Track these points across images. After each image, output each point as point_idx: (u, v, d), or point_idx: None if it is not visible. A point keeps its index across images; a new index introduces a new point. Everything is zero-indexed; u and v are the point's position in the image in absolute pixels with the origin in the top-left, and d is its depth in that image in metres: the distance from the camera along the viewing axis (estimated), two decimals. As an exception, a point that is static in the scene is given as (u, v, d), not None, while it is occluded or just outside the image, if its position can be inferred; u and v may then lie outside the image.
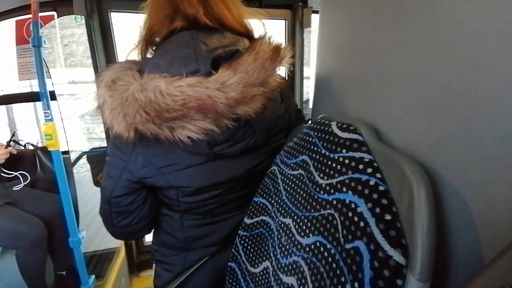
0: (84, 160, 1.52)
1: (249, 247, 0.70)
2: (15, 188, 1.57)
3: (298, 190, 0.58)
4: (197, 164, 0.61)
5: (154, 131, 0.51)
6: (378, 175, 0.41)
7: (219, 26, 0.59)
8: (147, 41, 0.63)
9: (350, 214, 0.41)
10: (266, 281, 0.62)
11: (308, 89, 1.98)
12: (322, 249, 0.46)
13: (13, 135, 1.59)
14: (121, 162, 0.59)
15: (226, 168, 0.64)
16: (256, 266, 0.67)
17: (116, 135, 0.52)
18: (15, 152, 1.56)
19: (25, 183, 1.61)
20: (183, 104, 0.49)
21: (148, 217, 0.70)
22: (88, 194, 1.62)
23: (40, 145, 1.82)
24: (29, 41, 1.15)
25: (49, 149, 1.12)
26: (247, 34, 0.64)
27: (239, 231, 0.72)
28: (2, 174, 1.56)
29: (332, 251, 0.44)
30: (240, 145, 0.60)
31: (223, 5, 0.59)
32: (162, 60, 0.54)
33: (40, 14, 1.06)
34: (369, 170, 0.42)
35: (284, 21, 1.71)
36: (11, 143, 1.63)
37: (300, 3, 1.65)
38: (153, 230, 0.78)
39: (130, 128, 0.51)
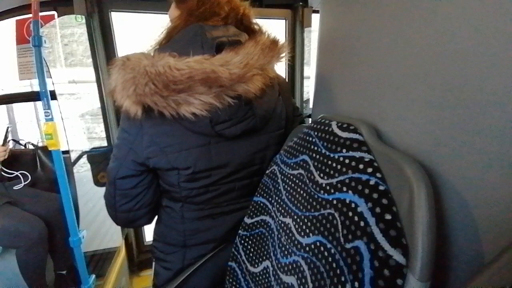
0: (84, 159, 1.52)
1: (249, 247, 0.70)
2: (15, 188, 1.57)
3: (298, 189, 0.58)
4: (199, 145, 0.64)
5: (160, 104, 0.55)
6: (378, 174, 0.41)
7: (238, 23, 0.68)
8: (167, 39, 0.67)
9: (350, 213, 0.41)
10: (266, 280, 0.63)
11: (308, 89, 1.98)
12: (322, 248, 0.46)
13: (6, 131, 1.57)
14: (127, 143, 0.64)
15: (226, 152, 0.67)
16: (256, 265, 0.67)
17: (125, 113, 0.58)
18: (9, 147, 1.55)
19: (25, 182, 1.61)
20: (189, 77, 0.54)
21: (150, 204, 0.72)
22: (88, 194, 1.62)
23: (40, 144, 1.83)
24: (29, 40, 1.15)
25: (49, 148, 1.12)
26: (252, 31, 0.70)
27: (239, 231, 0.72)
28: (3, 173, 1.56)
29: (332, 251, 0.44)
30: (241, 126, 0.63)
31: (243, 6, 0.69)
32: (171, 47, 0.60)
33: (41, 13, 1.06)
34: (369, 170, 0.42)
35: (284, 20, 1.71)
36: (10, 141, 1.62)
37: (301, 3, 1.65)
38: (153, 223, 0.79)
39: (138, 103, 0.55)
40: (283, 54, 0.67)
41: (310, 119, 0.95)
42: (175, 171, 0.65)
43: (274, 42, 0.65)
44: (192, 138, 0.63)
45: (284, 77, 0.78)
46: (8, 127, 1.59)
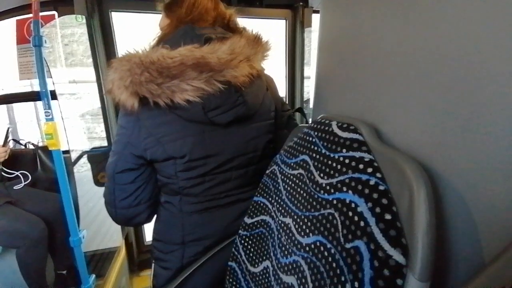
0: (84, 159, 1.52)
1: (249, 247, 0.70)
2: (15, 187, 1.57)
3: (298, 189, 0.58)
4: (194, 134, 0.67)
5: (155, 92, 0.58)
6: (378, 174, 0.41)
7: (224, 27, 0.73)
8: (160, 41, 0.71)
9: (350, 213, 0.42)
10: (266, 280, 0.63)
11: (309, 89, 1.98)
12: (322, 248, 0.46)
13: (7, 131, 1.57)
14: (125, 137, 0.67)
15: (220, 140, 0.70)
16: (256, 265, 0.67)
17: (122, 107, 0.62)
18: (9, 147, 1.55)
19: (25, 182, 1.61)
20: (181, 63, 0.58)
21: (149, 200, 0.74)
22: (88, 194, 1.62)
23: (40, 144, 1.83)
24: (29, 40, 1.15)
25: (49, 148, 1.12)
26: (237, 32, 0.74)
27: (240, 231, 0.73)
28: (3, 173, 1.56)
29: (332, 251, 0.44)
30: (232, 113, 0.67)
31: (228, 13, 0.74)
32: (163, 43, 0.64)
33: (41, 13, 1.06)
34: (369, 170, 0.42)
35: (284, 21, 1.71)
36: (11, 141, 1.62)
37: (301, 3, 1.65)
38: (153, 222, 0.80)
39: (134, 94, 0.59)
40: (268, 52, 0.73)
41: (297, 113, 0.97)
42: (172, 161, 0.67)
43: (258, 37, 0.71)
44: (187, 126, 0.66)
45: (280, 77, 0.85)
46: (8, 128, 1.59)
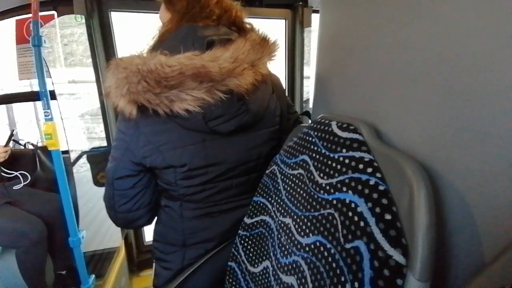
0: (84, 159, 1.52)
1: (249, 247, 0.70)
2: (15, 188, 1.57)
3: (298, 189, 0.58)
4: (194, 142, 0.64)
5: (153, 101, 0.56)
6: (378, 174, 0.41)
7: (230, 25, 0.69)
8: (160, 42, 0.68)
9: (350, 213, 0.41)
10: (266, 280, 0.63)
11: (308, 89, 1.98)
12: (322, 248, 0.46)
13: (11, 133, 1.58)
14: (124, 143, 0.65)
15: (222, 149, 0.68)
16: (256, 265, 0.67)
17: (120, 113, 0.59)
18: (10, 149, 1.56)
19: (25, 182, 1.61)
20: (180, 73, 0.55)
21: (149, 205, 0.73)
22: (88, 194, 1.62)
23: (40, 144, 1.82)
24: (29, 40, 1.15)
25: (49, 148, 1.12)
26: (244, 31, 0.71)
27: (239, 231, 0.72)
28: (2, 173, 1.56)
29: (332, 251, 0.44)
30: (234, 122, 0.64)
31: (234, 8, 0.70)
32: (163, 47, 0.61)
33: (40, 13, 1.06)
34: (369, 170, 0.42)
35: (284, 20, 1.71)
36: (11, 142, 1.62)
37: (300, 3, 1.65)
38: (153, 223, 0.80)
39: (132, 102, 0.56)
40: (275, 53, 0.69)
41: (304, 116, 0.96)
42: (171, 169, 0.66)
43: (265, 39, 0.67)
44: (187, 135, 0.64)
45: (280, 76, 0.80)
46: (13, 130, 1.60)
